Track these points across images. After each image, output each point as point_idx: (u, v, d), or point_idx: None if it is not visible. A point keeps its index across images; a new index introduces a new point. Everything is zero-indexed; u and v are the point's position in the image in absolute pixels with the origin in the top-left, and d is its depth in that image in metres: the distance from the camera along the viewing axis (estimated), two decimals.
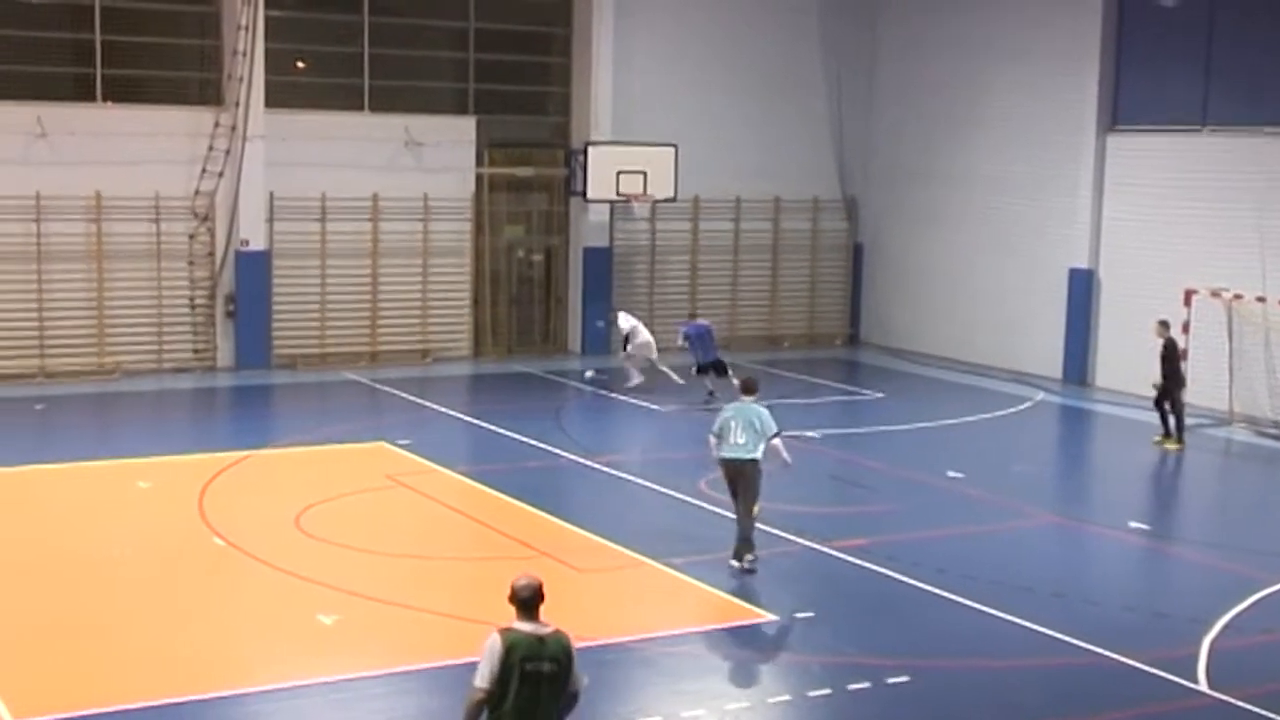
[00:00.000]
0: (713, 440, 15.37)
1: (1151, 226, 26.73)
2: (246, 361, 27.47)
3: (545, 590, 8.38)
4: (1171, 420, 22.55)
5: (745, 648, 13.52)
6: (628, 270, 30.98)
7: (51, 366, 26.10)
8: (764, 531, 16.80)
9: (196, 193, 26.94)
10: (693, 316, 26.86)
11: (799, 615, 14.16)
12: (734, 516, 15.58)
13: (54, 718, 11.26)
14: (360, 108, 28.71)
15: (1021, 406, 26.14)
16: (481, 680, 8.19)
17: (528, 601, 8.32)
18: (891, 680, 12.51)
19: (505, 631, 8.30)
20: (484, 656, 8.24)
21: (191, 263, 27.24)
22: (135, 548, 16.09)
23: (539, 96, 31.17)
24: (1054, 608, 14.66)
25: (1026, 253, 29.23)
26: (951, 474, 20.39)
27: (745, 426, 15.14)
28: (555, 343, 30.86)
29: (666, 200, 29.89)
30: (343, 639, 13.36)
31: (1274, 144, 24.79)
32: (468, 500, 18.43)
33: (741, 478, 15.20)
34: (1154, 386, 22.54)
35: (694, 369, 25.44)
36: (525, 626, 8.30)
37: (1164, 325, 22.81)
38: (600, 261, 30.46)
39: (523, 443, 21.68)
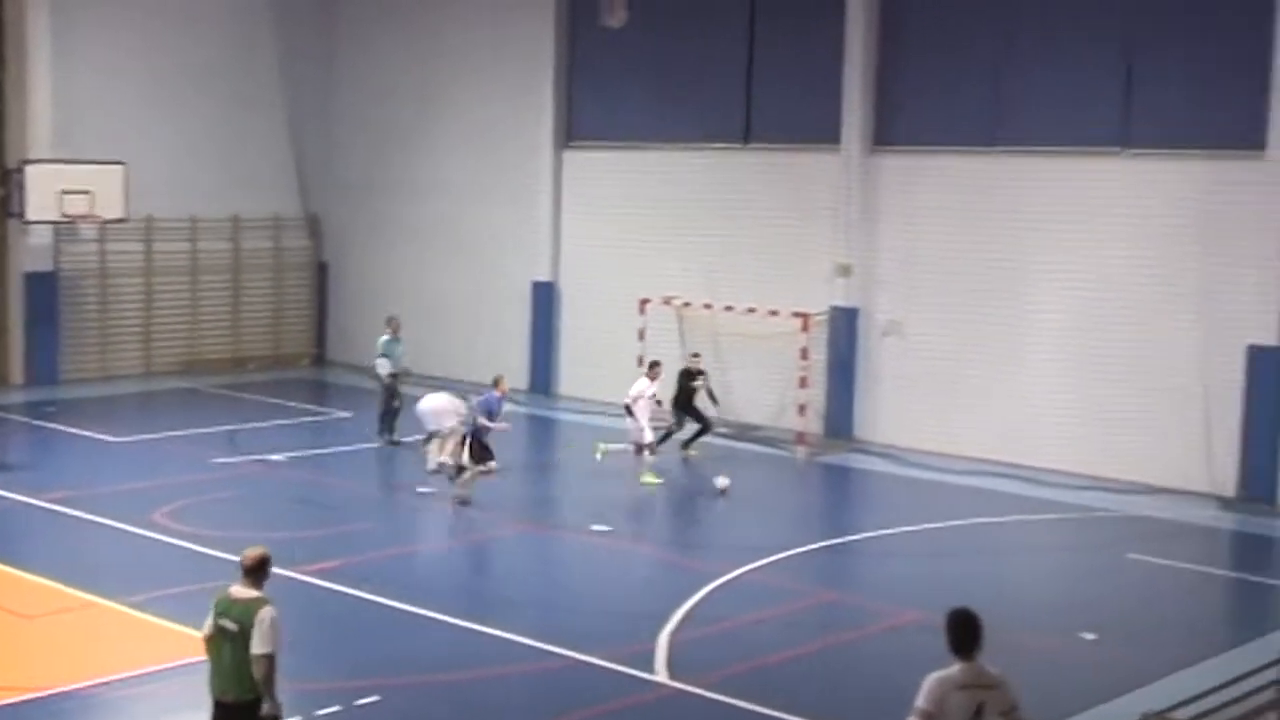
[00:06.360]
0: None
1: (606, 239, 27.70)
2: None
3: (269, 561, 9.68)
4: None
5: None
6: (76, 295, 29.15)
7: None
8: (217, 560, 15.98)
9: None
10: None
11: None
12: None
13: None
14: None
15: None
16: (207, 625, 9.63)
17: (247, 570, 9.59)
18: (361, 702, 12.29)
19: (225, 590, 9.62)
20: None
21: None
22: None
23: None
24: (523, 615, 14.92)
25: (492, 265, 29.56)
26: (421, 490, 20.29)
27: None
28: None
29: (116, 221, 28.33)
30: None
31: (713, 158, 26.28)
32: None
33: None
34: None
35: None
36: (234, 589, 9.56)
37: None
38: (45, 286, 28.50)
39: None
